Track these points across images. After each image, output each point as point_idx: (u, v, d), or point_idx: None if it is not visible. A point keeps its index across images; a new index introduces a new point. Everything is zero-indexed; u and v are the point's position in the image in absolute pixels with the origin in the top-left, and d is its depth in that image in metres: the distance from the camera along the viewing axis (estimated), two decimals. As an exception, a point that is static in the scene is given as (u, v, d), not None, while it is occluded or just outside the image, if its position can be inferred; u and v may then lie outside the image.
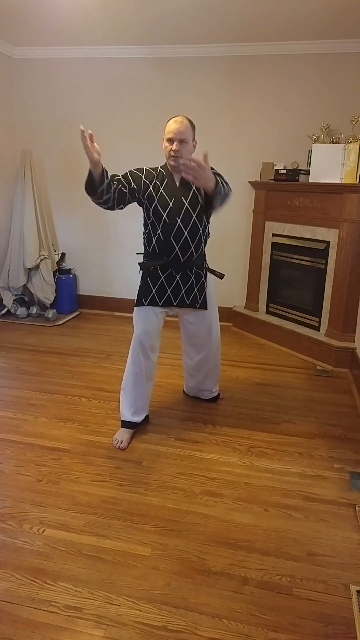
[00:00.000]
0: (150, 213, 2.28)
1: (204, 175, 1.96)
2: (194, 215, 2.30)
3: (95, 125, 4.28)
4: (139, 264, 2.44)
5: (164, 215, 2.27)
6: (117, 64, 4.17)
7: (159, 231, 2.30)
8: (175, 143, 2.18)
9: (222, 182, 2.14)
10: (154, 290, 2.37)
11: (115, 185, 2.16)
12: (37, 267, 4.27)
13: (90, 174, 2.07)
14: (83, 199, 4.49)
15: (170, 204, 2.27)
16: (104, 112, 4.29)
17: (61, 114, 4.37)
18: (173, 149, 2.18)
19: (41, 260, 4.27)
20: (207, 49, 3.93)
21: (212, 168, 2.24)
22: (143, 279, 2.39)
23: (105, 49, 4.10)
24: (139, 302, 2.39)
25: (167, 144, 2.21)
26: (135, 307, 2.42)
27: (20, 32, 3.84)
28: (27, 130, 4.48)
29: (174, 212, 2.27)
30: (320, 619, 1.48)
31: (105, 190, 2.11)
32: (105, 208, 2.24)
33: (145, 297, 2.38)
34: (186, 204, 2.29)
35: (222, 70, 3.99)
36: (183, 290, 2.41)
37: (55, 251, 4.53)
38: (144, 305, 2.38)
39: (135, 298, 2.43)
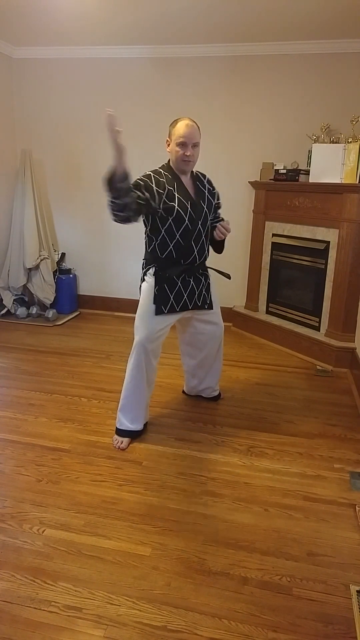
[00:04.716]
0: (171, 220, 2.22)
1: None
2: (210, 217, 2.37)
3: (95, 125, 4.30)
4: (155, 274, 2.33)
5: (186, 221, 2.24)
6: (117, 64, 4.17)
7: (178, 237, 2.27)
8: (189, 148, 2.18)
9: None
10: (172, 297, 2.34)
11: (133, 192, 2.01)
12: (37, 267, 4.27)
13: (112, 172, 1.89)
14: (83, 199, 4.54)
15: (189, 208, 2.25)
16: (104, 112, 4.27)
17: (61, 114, 4.37)
18: (187, 153, 2.18)
19: (41, 260, 4.27)
20: (207, 49, 3.93)
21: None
22: (159, 286, 2.32)
23: (105, 49, 4.10)
24: (159, 311, 2.31)
25: (178, 148, 2.18)
26: (138, 313, 2.36)
27: (20, 32, 3.84)
28: (27, 130, 4.48)
29: (195, 216, 2.27)
30: (320, 619, 1.48)
31: (124, 193, 1.94)
32: (122, 219, 2.02)
33: (165, 304, 2.32)
34: (205, 207, 2.32)
35: (222, 70, 3.99)
36: (196, 293, 2.43)
37: (55, 251, 4.53)
38: (165, 313, 2.33)
39: (144, 304, 2.35)
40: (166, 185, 2.20)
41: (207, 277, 2.50)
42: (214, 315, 2.59)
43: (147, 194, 2.10)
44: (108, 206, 2.00)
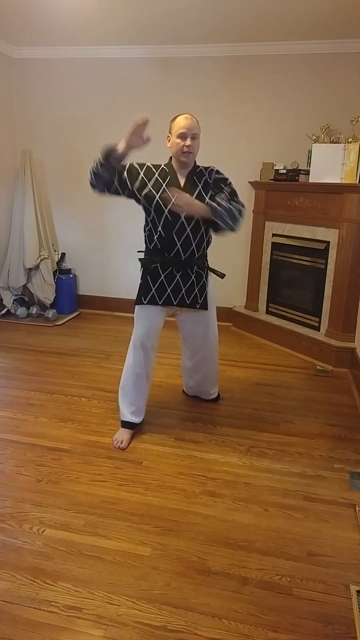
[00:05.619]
0: (152, 210, 2.25)
1: (193, 210, 2.15)
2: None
3: (95, 125, 4.31)
4: (140, 259, 2.42)
5: (166, 212, 2.24)
6: (117, 64, 4.17)
7: (160, 227, 2.28)
8: (188, 139, 2.20)
9: (222, 207, 2.18)
10: (153, 289, 2.36)
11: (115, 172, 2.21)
12: (37, 267, 4.27)
13: (111, 152, 2.10)
14: (83, 199, 4.53)
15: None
16: (104, 112, 4.28)
17: (61, 114, 4.37)
18: (187, 144, 2.20)
19: (41, 260, 4.27)
20: (207, 49, 3.93)
21: (229, 183, 2.36)
22: (143, 277, 2.38)
23: (105, 49, 4.10)
24: (139, 301, 2.38)
25: (178, 140, 2.21)
26: (136, 306, 2.41)
27: (20, 32, 3.84)
28: (27, 130, 4.48)
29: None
30: (320, 619, 1.48)
31: (110, 168, 2.15)
32: (93, 183, 2.21)
33: (145, 295, 2.36)
34: None
35: (222, 70, 3.99)
36: (183, 290, 2.40)
37: (55, 251, 4.53)
38: (143, 304, 2.37)
39: (135, 296, 2.42)
40: (155, 176, 2.25)
41: (201, 276, 2.43)
42: (207, 319, 2.53)
43: (125, 175, 2.23)
44: (91, 168, 2.16)
